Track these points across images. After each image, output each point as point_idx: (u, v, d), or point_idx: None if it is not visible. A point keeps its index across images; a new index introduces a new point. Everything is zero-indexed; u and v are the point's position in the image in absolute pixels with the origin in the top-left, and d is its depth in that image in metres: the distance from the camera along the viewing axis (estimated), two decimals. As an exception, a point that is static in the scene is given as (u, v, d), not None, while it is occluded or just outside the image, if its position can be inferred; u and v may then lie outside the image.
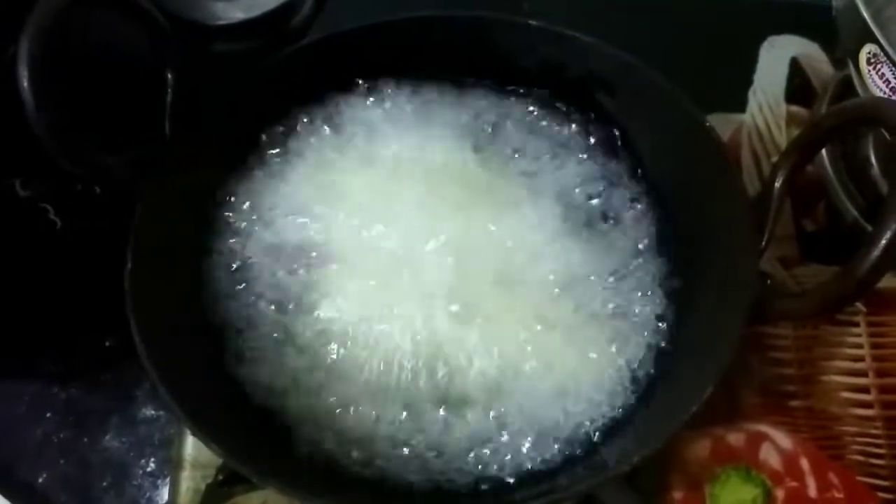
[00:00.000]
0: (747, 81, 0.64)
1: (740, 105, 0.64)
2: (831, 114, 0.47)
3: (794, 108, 0.64)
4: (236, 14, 0.55)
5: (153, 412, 0.61)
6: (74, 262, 0.56)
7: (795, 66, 0.66)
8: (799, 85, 0.66)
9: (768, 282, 0.49)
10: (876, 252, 0.38)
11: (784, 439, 0.49)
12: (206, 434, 0.40)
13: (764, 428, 0.50)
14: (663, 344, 0.48)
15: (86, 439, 0.61)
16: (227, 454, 0.40)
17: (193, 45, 0.55)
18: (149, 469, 0.60)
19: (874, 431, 0.54)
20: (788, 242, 0.59)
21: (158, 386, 0.41)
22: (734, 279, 0.46)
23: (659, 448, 0.40)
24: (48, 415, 0.61)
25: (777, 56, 0.65)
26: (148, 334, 0.43)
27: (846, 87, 0.61)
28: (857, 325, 0.55)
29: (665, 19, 0.74)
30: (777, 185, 0.47)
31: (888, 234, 0.37)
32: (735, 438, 0.50)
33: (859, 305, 0.55)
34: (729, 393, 0.55)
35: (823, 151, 0.60)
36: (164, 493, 0.56)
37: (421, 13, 0.55)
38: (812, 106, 0.65)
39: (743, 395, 0.55)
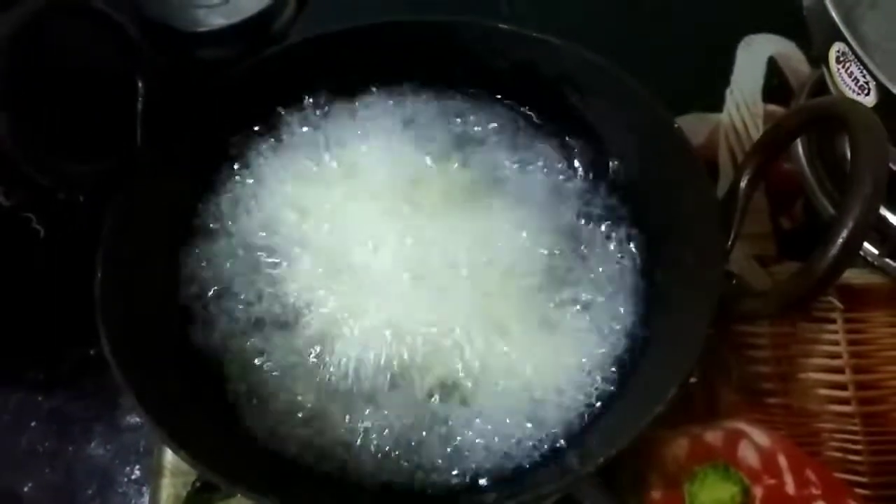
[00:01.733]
0: (724, 81, 0.64)
1: (717, 104, 0.63)
2: (793, 113, 0.47)
3: (772, 108, 0.63)
4: (217, 20, 0.55)
5: (137, 420, 0.62)
6: (58, 271, 0.56)
7: (773, 66, 0.65)
8: (776, 84, 0.66)
9: (734, 281, 0.49)
10: (833, 250, 0.38)
11: (762, 437, 0.49)
12: (176, 441, 0.41)
13: (742, 426, 0.50)
14: (629, 345, 0.48)
15: (71, 447, 0.61)
16: (196, 460, 0.40)
17: (175, 51, 0.55)
18: (133, 476, 0.60)
19: (852, 428, 0.54)
20: (766, 240, 0.59)
21: (126, 392, 0.41)
22: (701, 279, 0.46)
23: (624, 448, 0.41)
24: (33, 423, 0.62)
25: (754, 55, 0.65)
26: (117, 341, 0.44)
27: (822, 86, 0.60)
28: (833, 321, 0.55)
29: (642, 19, 0.74)
30: (743, 184, 0.47)
31: (844, 232, 0.37)
32: (713, 437, 0.49)
33: (836, 302, 0.55)
34: (706, 391, 0.55)
35: (800, 149, 0.60)
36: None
37: (393, 18, 0.56)
38: (789, 105, 0.65)
39: (720, 394, 0.55)
